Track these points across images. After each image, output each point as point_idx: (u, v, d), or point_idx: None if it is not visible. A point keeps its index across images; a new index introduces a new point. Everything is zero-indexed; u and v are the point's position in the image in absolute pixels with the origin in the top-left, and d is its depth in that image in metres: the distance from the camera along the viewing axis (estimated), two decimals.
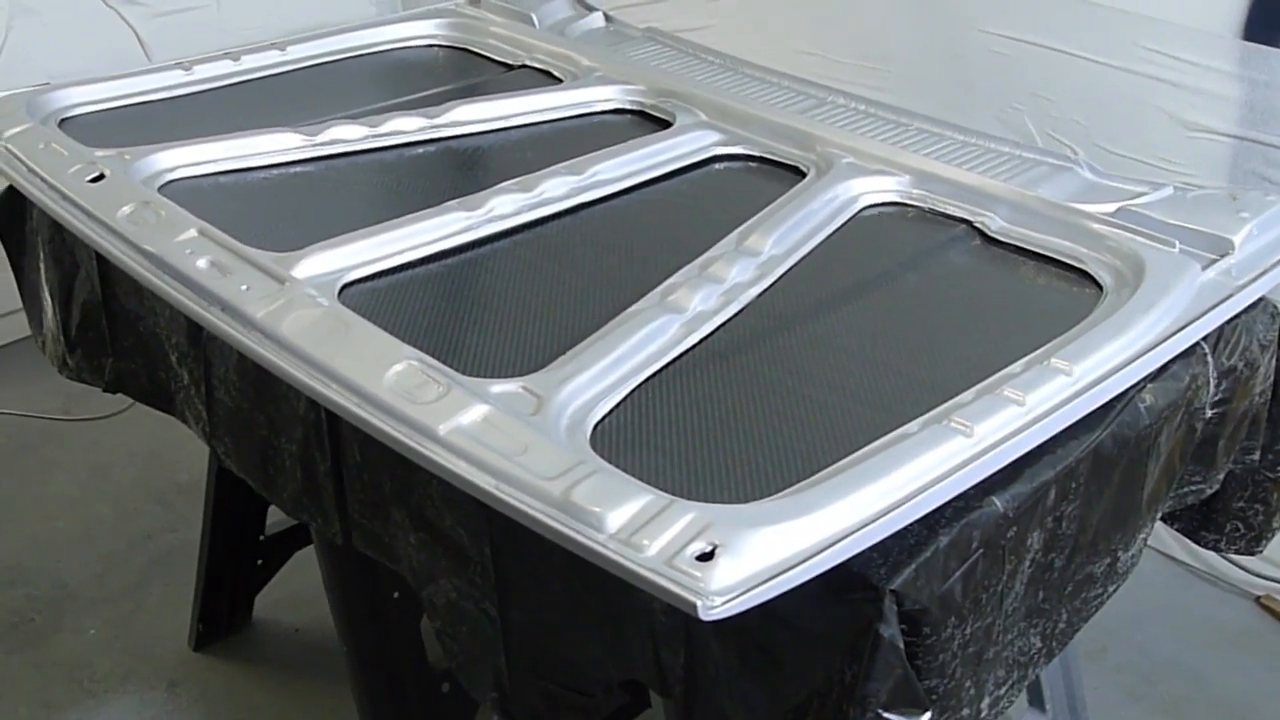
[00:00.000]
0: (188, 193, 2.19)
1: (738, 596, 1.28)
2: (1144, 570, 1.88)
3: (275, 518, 3.13)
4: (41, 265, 2.48)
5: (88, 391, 2.54)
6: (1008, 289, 1.98)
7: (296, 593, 3.33)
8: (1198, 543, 2.18)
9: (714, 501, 1.43)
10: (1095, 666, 3.13)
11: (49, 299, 2.49)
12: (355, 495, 1.92)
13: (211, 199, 2.18)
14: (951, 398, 1.60)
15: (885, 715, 1.44)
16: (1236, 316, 1.88)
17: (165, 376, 2.28)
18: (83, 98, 2.56)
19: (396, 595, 2.46)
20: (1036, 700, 2.43)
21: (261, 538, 3.17)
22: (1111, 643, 3.22)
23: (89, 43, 4.41)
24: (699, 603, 1.26)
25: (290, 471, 2.01)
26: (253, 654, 3.30)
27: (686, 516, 1.36)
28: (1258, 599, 3.36)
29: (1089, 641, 3.11)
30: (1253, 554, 2.19)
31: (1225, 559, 3.32)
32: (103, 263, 2.28)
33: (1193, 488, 1.97)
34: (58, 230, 2.37)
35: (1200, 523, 2.14)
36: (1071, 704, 2.46)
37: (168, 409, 2.34)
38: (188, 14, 4.63)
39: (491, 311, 1.93)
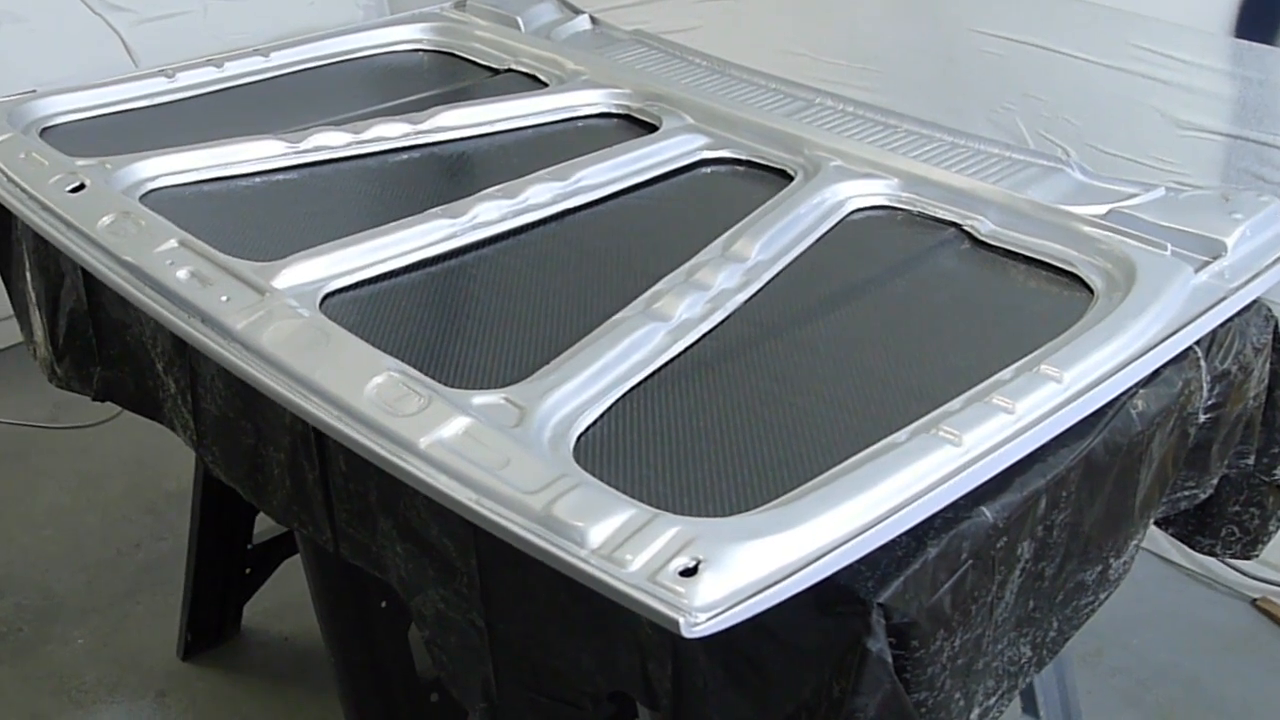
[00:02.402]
0: (169, 202, 2.18)
1: (721, 613, 1.26)
2: (1139, 573, 1.86)
3: (263, 526, 3.12)
4: (28, 274, 2.46)
5: (76, 399, 2.53)
6: (997, 293, 1.97)
7: (285, 601, 3.32)
8: (1193, 547, 2.17)
9: (699, 515, 1.41)
10: (1090, 671, 3.11)
11: (35, 308, 2.47)
12: (342, 505, 1.90)
13: (193, 208, 2.16)
14: (940, 406, 1.58)
15: None
16: (1230, 320, 1.86)
17: (153, 385, 2.26)
18: (65, 106, 2.54)
19: (384, 604, 2.44)
20: (1030, 706, 2.41)
21: (250, 546, 3.15)
22: (1106, 646, 3.21)
23: (75, 49, 4.39)
24: (681, 620, 1.24)
25: (279, 480, 1.99)
26: (242, 663, 3.28)
27: (670, 531, 1.34)
28: (1254, 602, 3.35)
29: (1083, 645, 3.10)
30: (1249, 558, 2.18)
31: (1221, 562, 3.30)
32: (88, 272, 2.26)
33: (1186, 493, 1.95)
34: (42, 240, 2.35)
35: (1195, 527, 2.13)
36: (1065, 709, 2.44)
37: (156, 416, 2.32)
38: (174, 19, 4.61)
39: (475, 320, 1.92)
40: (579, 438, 1.57)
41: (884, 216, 2.17)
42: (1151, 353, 1.70)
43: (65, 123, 2.51)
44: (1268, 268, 1.90)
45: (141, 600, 3.48)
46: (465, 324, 1.91)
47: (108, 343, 2.34)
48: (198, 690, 3.20)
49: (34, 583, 3.56)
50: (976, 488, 1.48)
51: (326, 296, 1.88)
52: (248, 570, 3.20)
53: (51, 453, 4.10)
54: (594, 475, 1.46)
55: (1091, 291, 1.90)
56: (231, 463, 2.10)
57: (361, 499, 1.85)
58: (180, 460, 3.52)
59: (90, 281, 2.28)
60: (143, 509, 3.83)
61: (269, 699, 3.17)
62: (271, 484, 2.01)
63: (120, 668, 3.27)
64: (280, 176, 2.30)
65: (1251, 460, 2.03)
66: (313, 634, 2.64)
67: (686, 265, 1.94)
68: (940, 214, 2.13)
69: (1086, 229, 2.01)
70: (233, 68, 2.73)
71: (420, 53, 2.95)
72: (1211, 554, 2.18)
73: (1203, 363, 1.84)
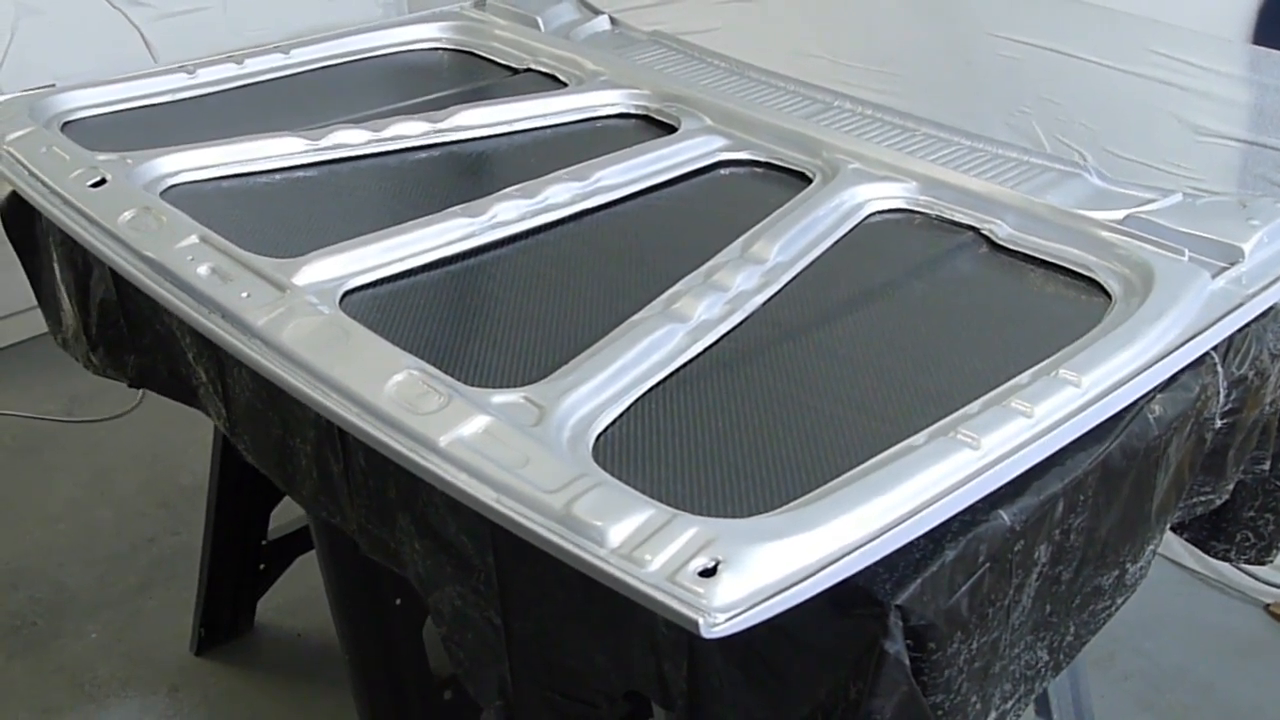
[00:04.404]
0: (190, 197, 2.18)
1: (740, 614, 1.26)
2: (1152, 577, 1.86)
3: (278, 521, 3.13)
4: (56, 266, 2.47)
5: (90, 393, 2.55)
6: (1015, 297, 1.96)
7: (299, 597, 3.33)
8: (1208, 553, 2.16)
9: (717, 515, 1.41)
10: (1103, 675, 3.11)
11: (66, 299, 2.49)
12: (361, 501, 1.91)
13: (213, 204, 2.17)
14: (958, 409, 1.58)
15: None
16: (1247, 325, 1.86)
17: (185, 372, 2.27)
18: (86, 101, 2.55)
19: (399, 602, 2.44)
20: (1044, 710, 2.41)
21: (264, 542, 3.16)
22: (1119, 650, 3.21)
23: (94, 44, 4.41)
24: (701, 620, 1.24)
25: (307, 470, 2.00)
26: (255, 659, 3.29)
27: (689, 531, 1.34)
28: (1267, 607, 3.34)
29: (1097, 649, 3.09)
30: (1263, 563, 2.17)
31: (1235, 567, 3.30)
32: None
33: (1202, 498, 1.95)
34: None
35: (1210, 532, 2.12)
36: (1079, 713, 2.44)
37: (191, 402, 2.33)
38: (193, 15, 4.62)
39: (494, 319, 1.92)
40: (598, 437, 1.57)
41: (902, 219, 2.17)
42: (1169, 358, 1.70)
43: (86, 117, 2.52)
44: None
45: (154, 595, 3.49)
46: (484, 323, 1.92)
47: (139, 331, 2.35)
48: (210, 686, 3.21)
49: (47, 576, 3.57)
50: (994, 491, 1.48)
51: (346, 294, 1.88)
52: (262, 566, 3.21)
53: (65, 447, 4.11)
54: (613, 475, 1.46)
55: (1109, 296, 1.90)
56: (262, 451, 2.11)
57: (380, 495, 1.86)
58: (194, 455, 3.53)
59: (118, 273, 2.29)
60: (156, 503, 3.84)
61: (282, 695, 3.18)
62: (300, 473, 2.02)
63: (133, 662, 3.28)
64: (300, 174, 2.30)
65: (1267, 466, 2.03)
66: (326, 630, 2.65)
67: (705, 266, 1.94)
68: (958, 217, 2.13)
69: (1104, 234, 2.01)
70: (253, 64, 2.74)
71: (440, 51, 2.95)
72: (1226, 559, 2.17)
73: (1220, 368, 1.83)
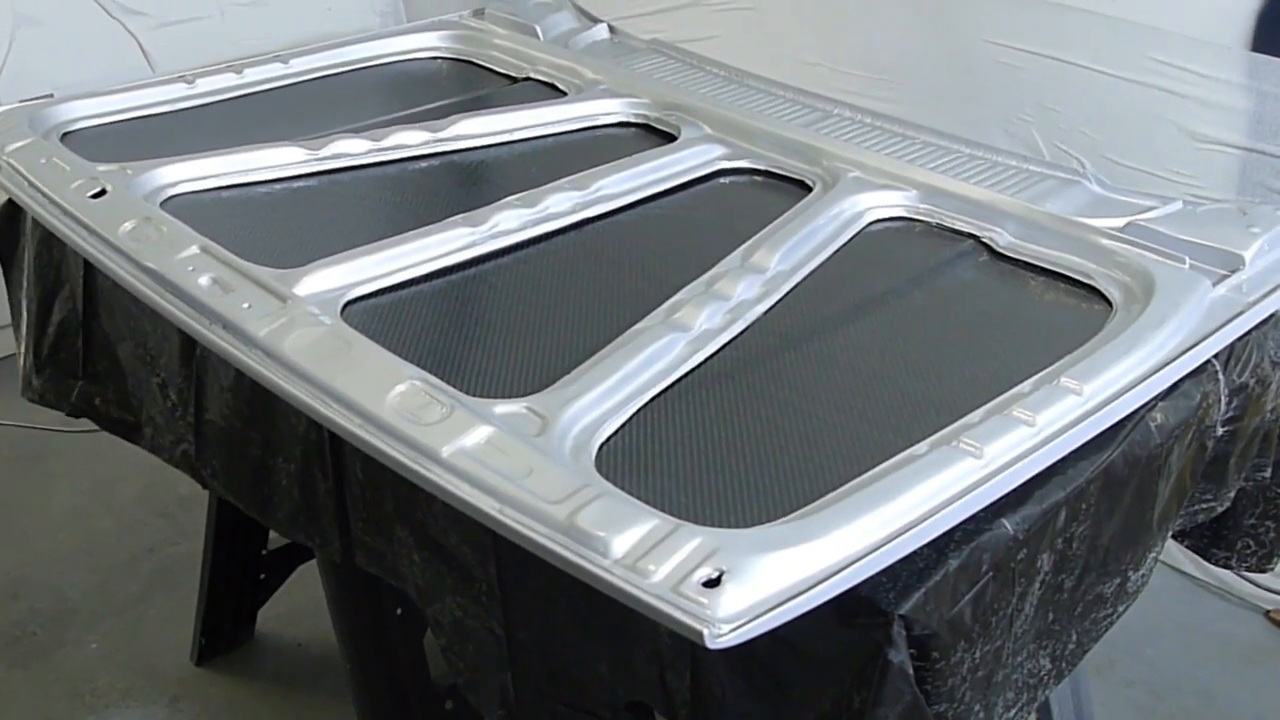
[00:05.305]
0: (190, 208, 2.18)
1: (745, 624, 1.26)
2: (1153, 585, 1.86)
3: None
4: (25, 282, 2.46)
5: None
6: (1016, 305, 1.97)
7: (300, 606, 3.32)
8: (1209, 560, 2.16)
9: (721, 525, 1.41)
10: (1104, 682, 3.11)
11: (26, 316, 2.47)
12: (358, 513, 1.91)
13: (214, 214, 2.17)
14: (960, 418, 1.58)
15: None
16: (1248, 333, 1.86)
17: (137, 403, 2.26)
18: (85, 111, 2.55)
19: (400, 612, 2.44)
20: (1045, 718, 2.41)
21: (264, 551, 3.16)
22: (1120, 658, 3.20)
23: (92, 54, 4.41)
24: (705, 631, 1.24)
25: (287, 491, 1.99)
26: (255, 669, 3.28)
27: (693, 541, 1.34)
28: (1267, 613, 3.34)
29: (1098, 656, 3.07)
30: (1264, 571, 2.17)
31: (1236, 574, 3.30)
32: (88, 283, 2.27)
33: (1204, 505, 1.95)
34: (45, 246, 2.36)
35: (1211, 540, 2.12)
36: None
37: (131, 437, 2.33)
38: (191, 25, 4.62)
39: (495, 329, 1.92)
40: (600, 447, 1.57)
41: (903, 228, 2.17)
42: (1170, 366, 1.70)
43: (86, 128, 2.52)
44: None
45: (155, 604, 3.48)
46: (486, 333, 1.91)
47: (95, 357, 2.34)
48: (211, 696, 3.20)
49: (48, 586, 3.56)
50: (997, 500, 1.48)
51: (348, 304, 1.88)
52: (262, 575, 3.20)
53: (66, 456, 4.10)
54: (616, 485, 1.46)
55: (1110, 304, 1.90)
56: (234, 475, 2.10)
57: (378, 507, 1.85)
58: None
59: (89, 292, 2.28)
60: (156, 513, 3.83)
61: (282, 705, 3.17)
62: (278, 495, 2.01)
63: (134, 672, 3.27)
64: (301, 183, 2.30)
65: (1268, 473, 2.03)
66: (327, 640, 2.64)
67: (706, 275, 1.94)
68: (959, 226, 2.14)
69: (1105, 242, 2.01)
70: (252, 74, 2.74)
71: (439, 60, 2.96)
72: (1227, 567, 2.17)
73: (1221, 376, 1.84)
